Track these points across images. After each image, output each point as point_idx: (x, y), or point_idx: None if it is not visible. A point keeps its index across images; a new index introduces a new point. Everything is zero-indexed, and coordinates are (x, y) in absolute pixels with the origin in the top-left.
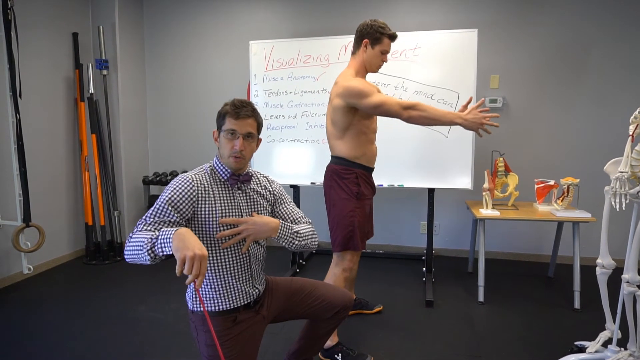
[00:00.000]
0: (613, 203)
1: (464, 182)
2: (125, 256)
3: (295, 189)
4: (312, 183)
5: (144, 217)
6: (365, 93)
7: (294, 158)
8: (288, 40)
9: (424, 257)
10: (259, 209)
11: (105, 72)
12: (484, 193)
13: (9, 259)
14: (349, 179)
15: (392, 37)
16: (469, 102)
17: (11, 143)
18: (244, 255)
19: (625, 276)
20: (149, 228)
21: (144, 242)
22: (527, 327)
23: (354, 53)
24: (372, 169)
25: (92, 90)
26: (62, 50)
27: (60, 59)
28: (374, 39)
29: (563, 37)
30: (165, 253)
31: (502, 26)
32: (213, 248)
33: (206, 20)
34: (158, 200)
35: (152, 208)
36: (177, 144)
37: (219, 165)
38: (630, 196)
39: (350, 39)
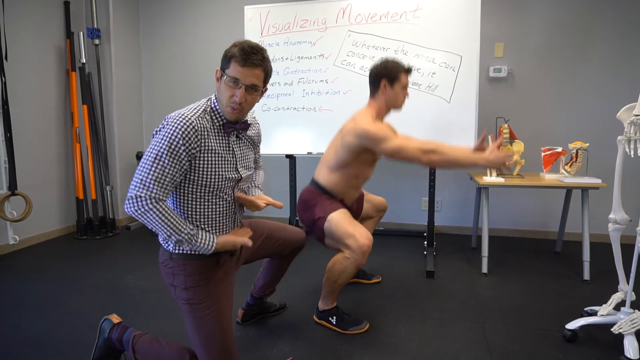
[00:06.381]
0: (627, 150)
1: None
2: (142, 218)
3: (291, 159)
4: (308, 153)
5: (144, 177)
6: (383, 138)
7: (290, 127)
8: (284, 4)
9: (425, 234)
10: (247, 161)
11: (97, 41)
12: None
13: None
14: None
15: (409, 71)
16: (483, 139)
17: None
18: (231, 204)
19: (639, 229)
20: (162, 193)
21: (181, 231)
22: (533, 296)
23: (372, 95)
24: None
25: (83, 60)
26: (52, 19)
27: (51, 26)
28: (391, 78)
29: (571, 4)
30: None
31: None
32: (206, 196)
33: None
34: (154, 152)
35: (152, 164)
36: None
37: (217, 108)
38: None
39: (349, 2)
